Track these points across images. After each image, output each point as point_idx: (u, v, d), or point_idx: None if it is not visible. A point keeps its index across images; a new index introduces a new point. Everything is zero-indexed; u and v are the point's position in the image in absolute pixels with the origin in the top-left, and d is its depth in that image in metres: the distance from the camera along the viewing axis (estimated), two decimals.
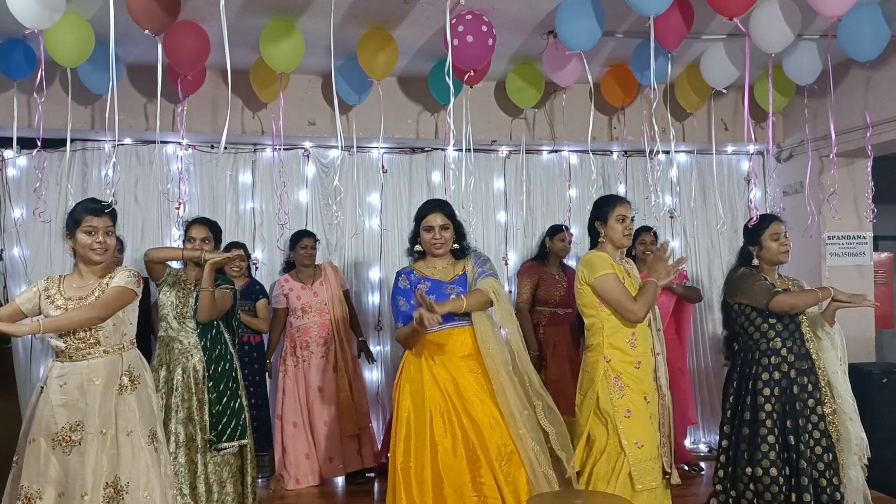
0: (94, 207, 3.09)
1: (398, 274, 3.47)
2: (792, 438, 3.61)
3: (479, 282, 3.36)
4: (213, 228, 4.07)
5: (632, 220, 3.54)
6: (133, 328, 3.18)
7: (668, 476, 3.50)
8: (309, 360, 4.98)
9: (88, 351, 3.02)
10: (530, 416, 3.31)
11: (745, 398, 3.73)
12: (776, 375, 3.66)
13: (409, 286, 3.40)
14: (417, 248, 3.48)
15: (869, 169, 4.60)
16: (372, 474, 5.08)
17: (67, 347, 3.01)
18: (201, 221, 4.09)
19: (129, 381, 3.07)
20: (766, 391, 3.66)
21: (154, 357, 3.89)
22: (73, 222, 3.07)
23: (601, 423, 3.40)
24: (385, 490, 3.41)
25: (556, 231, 5.18)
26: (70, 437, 2.94)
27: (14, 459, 3.05)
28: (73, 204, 3.19)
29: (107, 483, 2.95)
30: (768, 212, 5.10)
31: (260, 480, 4.94)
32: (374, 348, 5.41)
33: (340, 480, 5.11)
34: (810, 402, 3.67)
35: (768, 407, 3.64)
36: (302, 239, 5.06)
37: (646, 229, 5.17)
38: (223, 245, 5.00)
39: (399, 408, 3.36)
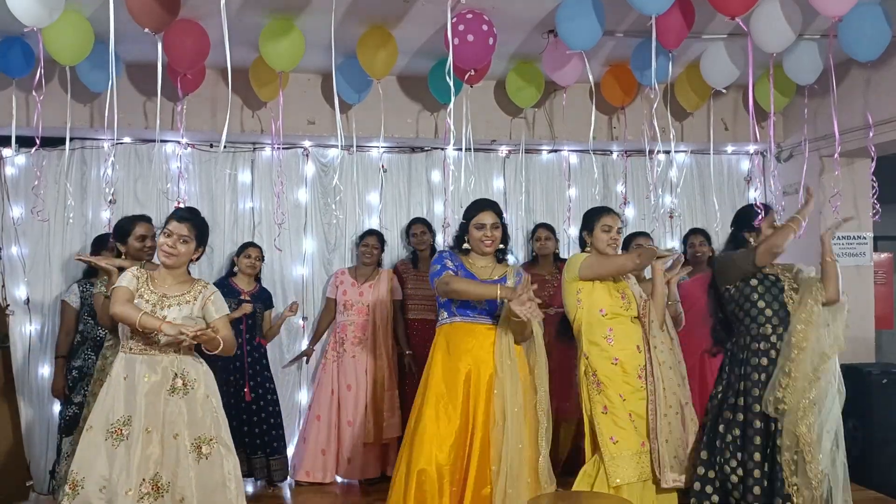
0: (178, 213, 3.19)
1: (441, 251, 3.60)
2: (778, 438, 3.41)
3: None
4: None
5: (618, 231, 3.68)
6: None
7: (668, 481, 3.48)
8: (343, 358, 5.00)
9: (145, 348, 3.05)
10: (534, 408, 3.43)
11: (737, 387, 3.55)
12: (764, 361, 3.49)
13: (451, 262, 3.48)
14: (465, 246, 3.56)
15: (871, 169, 4.59)
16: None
17: (129, 340, 3.05)
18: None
19: (182, 385, 3.07)
20: (755, 376, 3.47)
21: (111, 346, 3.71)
22: (163, 225, 3.19)
23: (587, 419, 3.52)
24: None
25: (534, 231, 5.32)
26: (121, 430, 2.97)
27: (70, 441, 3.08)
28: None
29: (143, 479, 2.95)
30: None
31: (258, 482, 4.93)
32: None
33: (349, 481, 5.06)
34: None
35: (758, 399, 3.44)
36: (366, 237, 5.14)
37: (695, 232, 5.14)
38: (238, 245, 5.04)
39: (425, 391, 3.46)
